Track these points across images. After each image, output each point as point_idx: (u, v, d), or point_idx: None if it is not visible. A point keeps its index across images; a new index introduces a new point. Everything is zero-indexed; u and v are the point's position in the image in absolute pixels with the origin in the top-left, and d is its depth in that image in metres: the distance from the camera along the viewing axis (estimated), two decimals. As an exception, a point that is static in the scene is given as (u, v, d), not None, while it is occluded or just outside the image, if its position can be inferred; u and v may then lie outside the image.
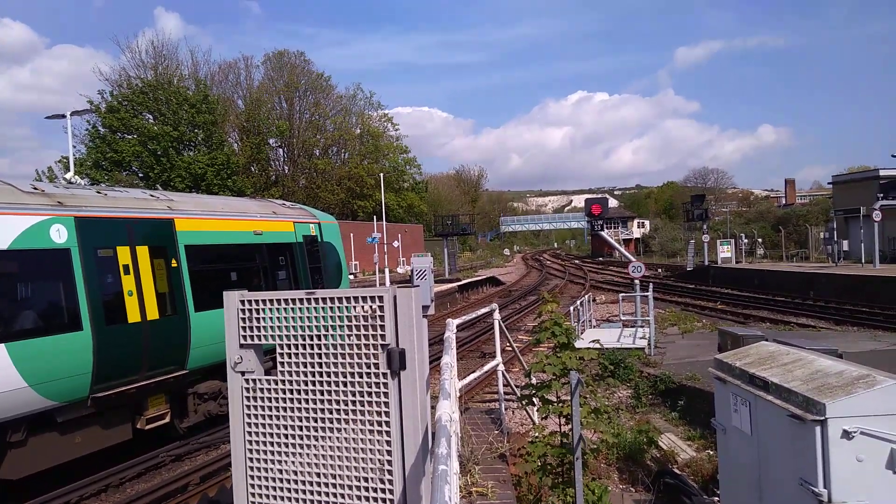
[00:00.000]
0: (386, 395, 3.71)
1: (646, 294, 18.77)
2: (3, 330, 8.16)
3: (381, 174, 54.67)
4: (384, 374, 3.71)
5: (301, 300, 3.93)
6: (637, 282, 20.95)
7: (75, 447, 9.32)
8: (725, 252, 46.29)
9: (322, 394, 3.88)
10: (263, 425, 4.05)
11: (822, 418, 4.20)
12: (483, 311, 8.55)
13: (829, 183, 53.83)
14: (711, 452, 9.65)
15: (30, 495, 8.87)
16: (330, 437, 3.84)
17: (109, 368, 9.41)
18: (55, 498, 8.95)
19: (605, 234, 24.26)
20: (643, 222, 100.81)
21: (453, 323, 6.27)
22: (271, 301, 4.01)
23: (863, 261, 34.24)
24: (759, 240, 58.21)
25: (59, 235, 8.96)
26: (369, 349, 3.75)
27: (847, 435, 4.17)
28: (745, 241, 52.14)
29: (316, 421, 3.89)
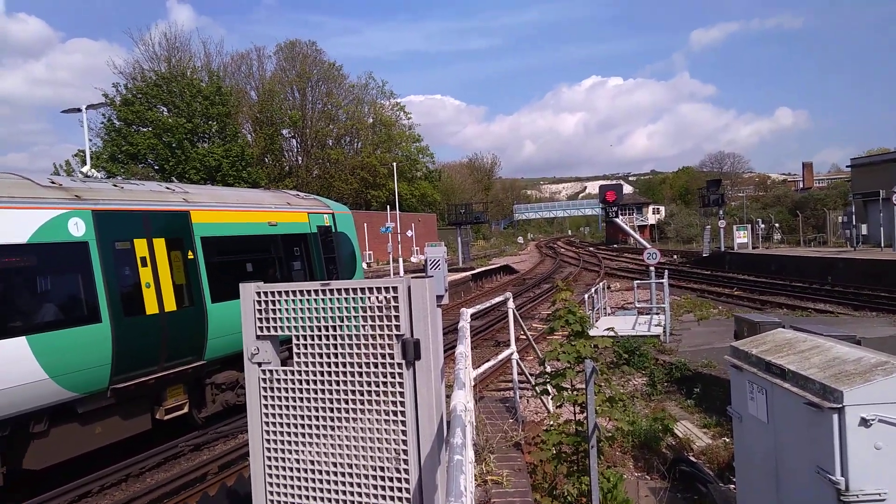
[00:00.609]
0: (401, 385, 3.73)
1: (661, 281, 18.66)
2: (25, 323, 8.29)
3: (394, 163, 54.66)
4: (399, 365, 3.74)
5: (316, 291, 3.96)
6: (652, 269, 20.83)
7: (96, 437, 9.47)
8: (742, 237, 45.85)
9: (338, 384, 3.91)
10: (280, 415, 4.10)
11: (840, 406, 4.17)
12: (497, 299, 8.56)
13: (847, 166, 52.96)
14: (727, 440, 9.62)
15: (52, 485, 9.05)
16: (346, 427, 3.88)
17: (128, 360, 9.53)
18: (77, 488, 9.11)
19: (619, 220, 24.07)
20: (658, 208, 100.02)
21: (467, 312, 6.29)
22: (287, 292, 4.04)
23: (882, 245, 33.83)
24: (776, 225, 57.64)
25: (78, 229, 9.06)
26: (384, 339, 3.77)
27: (865, 422, 4.14)
28: (762, 226, 51.60)
29: (332, 411, 3.92)
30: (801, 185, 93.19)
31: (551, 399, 7.54)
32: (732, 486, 7.47)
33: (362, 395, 3.83)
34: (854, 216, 36.62)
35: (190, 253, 10.97)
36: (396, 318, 3.73)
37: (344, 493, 3.87)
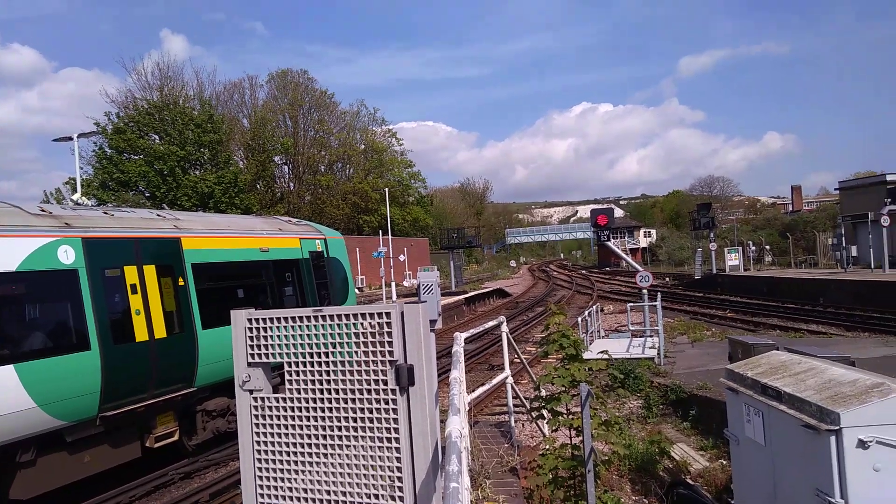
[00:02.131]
0: (395, 411, 3.68)
1: (654, 303, 18.66)
2: (13, 351, 8.18)
3: (386, 189, 54.82)
4: (393, 391, 3.69)
5: (308, 317, 3.92)
6: (645, 291, 20.85)
7: (84, 466, 9.31)
8: (733, 260, 46.09)
9: (331, 411, 3.86)
10: (272, 443, 4.03)
11: (837, 428, 4.15)
12: (491, 323, 8.52)
13: (835, 189, 53.66)
14: (725, 462, 9.54)
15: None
16: (339, 454, 3.82)
17: (118, 387, 9.40)
18: (65, 519, 8.92)
19: (611, 244, 24.15)
20: (650, 231, 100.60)
21: (461, 337, 6.25)
22: (278, 319, 4.00)
23: (872, 266, 34.05)
24: (767, 247, 58.00)
25: (67, 256, 8.99)
26: (377, 365, 3.73)
27: (862, 444, 4.12)
28: (753, 248, 51.92)
29: (325, 438, 3.87)
30: (791, 208, 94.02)
31: (547, 423, 7.47)
32: (730, 510, 7.38)
33: (356, 421, 3.78)
34: (843, 238, 36.90)
35: (180, 279, 10.90)
36: (390, 343, 3.70)
37: (337, 522, 3.80)
